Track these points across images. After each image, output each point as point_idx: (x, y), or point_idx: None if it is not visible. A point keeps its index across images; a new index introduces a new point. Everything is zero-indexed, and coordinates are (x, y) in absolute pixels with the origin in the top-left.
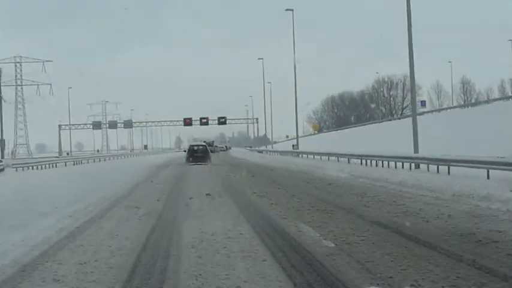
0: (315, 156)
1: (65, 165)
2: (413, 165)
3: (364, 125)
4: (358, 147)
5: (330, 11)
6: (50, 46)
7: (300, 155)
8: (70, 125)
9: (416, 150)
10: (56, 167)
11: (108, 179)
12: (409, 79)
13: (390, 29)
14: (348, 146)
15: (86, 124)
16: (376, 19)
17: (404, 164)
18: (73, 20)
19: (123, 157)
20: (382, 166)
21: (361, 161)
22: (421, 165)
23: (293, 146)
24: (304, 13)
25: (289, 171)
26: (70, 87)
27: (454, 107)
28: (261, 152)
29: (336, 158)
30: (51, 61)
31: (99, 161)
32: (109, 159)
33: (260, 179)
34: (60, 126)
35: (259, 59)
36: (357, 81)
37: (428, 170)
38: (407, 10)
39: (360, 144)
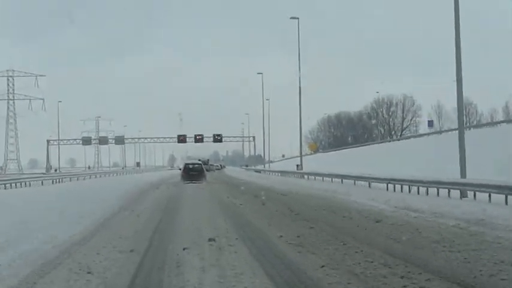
0: (324, 178)
1: (42, 183)
2: (451, 192)
3: (363, 145)
4: (360, 168)
5: (327, 29)
6: (43, 59)
7: (306, 176)
8: (59, 140)
9: (463, 174)
10: (29, 186)
11: (75, 207)
12: (456, 90)
13: (388, 49)
14: (349, 167)
15: (75, 140)
16: (373, 39)
17: (441, 190)
18: (66, 33)
19: (112, 175)
20: (419, 193)
21: (387, 186)
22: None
23: (297, 166)
24: (301, 30)
25: (307, 198)
26: (60, 101)
27: (455, 129)
28: (258, 171)
29: (353, 181)
30: (44, 75)
31: (84, 179)
32: (95, 177)
33: (275, 209)
34: (48, 141)
35: (258, 73)
36: (354, 102)
37: (490, 201)
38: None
39: (361, 165)
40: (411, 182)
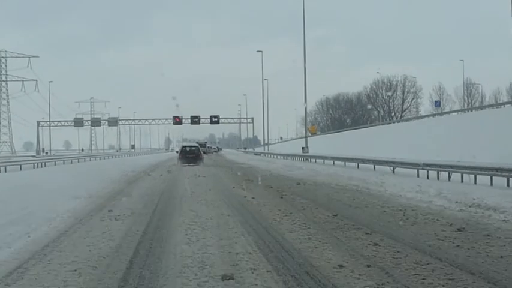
0: (336, 162)
1: (20, 168)
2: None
3: (363, 127)
4: (364, 151)
5: (326, 11)
6: (37, 42)
7: (314, 160)
8: (50, 121)
9: None
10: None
11: (37, 206)
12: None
13: (386, 31)
14: (352, 150)
15: (66, 121)
16: (372, 21)
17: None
18: (64, 16)
19: (104, 158)
20: (462, 181)
21: (418, 173)
22: None
23: (303, 148)
24: (300, 14)
25: (332, 189)
26: (51, 81)
27: (458, 111)
28: (258, 154)
29: (372, 165)
30: (38, 56)
31: (71, 162)
32: (84, 160)
33: (302, 206)
34: (38, 122)
35: (258, 51)
36: (352, 83)
37: None
38: None
39: (364, 147)
40: (452, 168)
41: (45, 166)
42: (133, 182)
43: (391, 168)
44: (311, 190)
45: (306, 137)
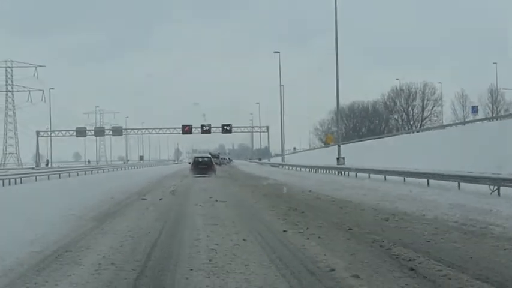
0: (387, 177)
1: None
2: None
3: (382, 137)
4: (392, 162)
5: (339, 19)
6: (47, 52)
7: (354, 174)
8: (50, 131)
9: None
10: None
11: None
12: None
13: (401, 39)
14: (376, 161)
15: (68, 131)
16: (387, 29)
17: None
18: (70, 26)
19: (105, 170)
20: None
21: None
22: None
23: (337, 159)
24: (311, 22)
25: (460, 234)
26: (52, 88)
27: (482, 120)
28: (276, 166)
29: (457, 183)
30: (44, 66)
31: (59, 177)
32: (77, 174)
33: None
34: (38, 132)
35: (275, 52)
36: (367, 92)
37: None
38: None
39: (389, 158)
40: None
41: (21, 182)
42: (110, 218)
43: (492, 188)
44: (427, 234)
45: (339, 145)
